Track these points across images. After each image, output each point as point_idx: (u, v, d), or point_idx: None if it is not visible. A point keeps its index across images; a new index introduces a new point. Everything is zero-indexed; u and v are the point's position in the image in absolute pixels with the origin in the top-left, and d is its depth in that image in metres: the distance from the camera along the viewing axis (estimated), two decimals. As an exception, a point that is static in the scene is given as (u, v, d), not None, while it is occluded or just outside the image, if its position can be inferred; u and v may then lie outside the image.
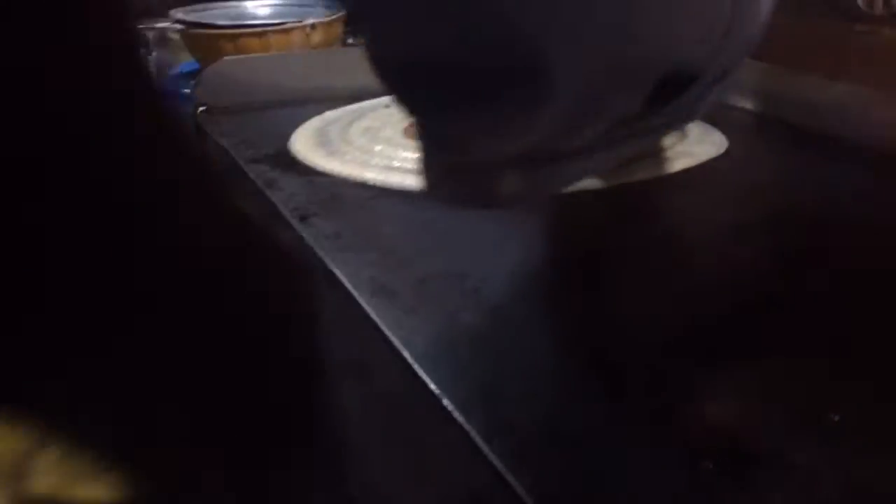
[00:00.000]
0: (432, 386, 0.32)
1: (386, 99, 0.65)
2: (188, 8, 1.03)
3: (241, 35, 0.93)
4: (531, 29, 0.17)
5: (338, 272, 0.41)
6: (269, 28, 0.94)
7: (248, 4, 1.08)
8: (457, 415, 0.30)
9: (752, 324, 0.35)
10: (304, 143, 0.59)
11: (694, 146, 0.56)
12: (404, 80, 0.21)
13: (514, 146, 0.21)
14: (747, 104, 0.65)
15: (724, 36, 0.20)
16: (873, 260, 0.40)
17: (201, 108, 0.72)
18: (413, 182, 0.49)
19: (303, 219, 0.48)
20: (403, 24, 0.18)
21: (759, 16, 0.22)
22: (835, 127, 0.58)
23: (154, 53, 1.28)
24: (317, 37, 0.95)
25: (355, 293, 0.39)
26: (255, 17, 1.05)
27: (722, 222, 0.47)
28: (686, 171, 0.54)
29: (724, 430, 0.29)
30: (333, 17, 0.97)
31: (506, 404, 0.31)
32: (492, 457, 0.28)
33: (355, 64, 0.32)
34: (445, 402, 0.31)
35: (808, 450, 0.27)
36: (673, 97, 0.21)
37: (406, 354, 0.34)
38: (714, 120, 0.58)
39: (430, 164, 0.25)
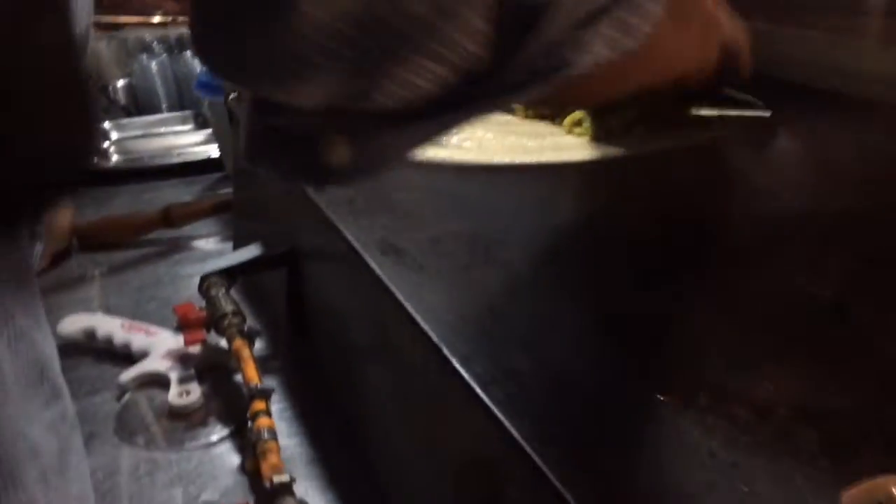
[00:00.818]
0: (433, 337, 0.31)
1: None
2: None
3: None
4: None
5: (348, 234, 0.40)
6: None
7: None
8: (456, 363, 0.29)
9: (772, 300, 0.33)
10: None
11: (732, 114, 0.54)
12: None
13: (303, 86, 0.18)
14: (786, 73, 0.62)
15: None
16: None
17: (232, 96, 0.72)
18: (431, 152, 0.48)
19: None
20: None
21: None
22: (882, 94, 0.55)
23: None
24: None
25: (363, 252, 0.38)
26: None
27: (748, 190, 0.44)
28: (722, 140, 0.51)
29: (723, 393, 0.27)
30: None
31: (507, 354, 0.29)
32: (489, 402, 0.27)
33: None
34: (445, 351, 0.30)
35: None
36: (526, 39, 0.17)
37: (409, 307, 0.33)
38: (753, 90, 0.56)
39: (252, 130, 0.23)
